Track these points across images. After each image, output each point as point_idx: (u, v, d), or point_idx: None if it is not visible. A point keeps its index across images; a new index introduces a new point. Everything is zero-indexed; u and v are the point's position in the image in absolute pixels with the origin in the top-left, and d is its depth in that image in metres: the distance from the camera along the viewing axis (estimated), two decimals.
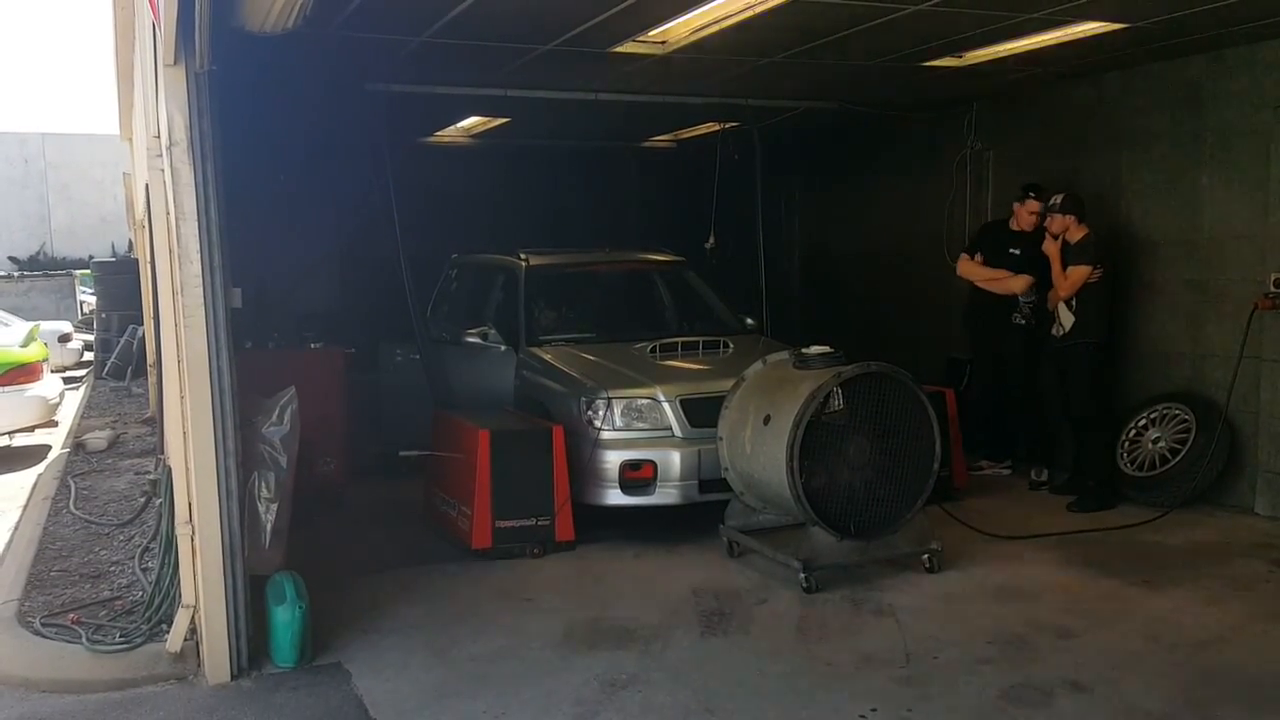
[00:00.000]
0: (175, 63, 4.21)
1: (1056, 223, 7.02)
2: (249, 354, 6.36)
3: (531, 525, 6.18)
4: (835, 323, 10.06)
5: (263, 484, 4.98)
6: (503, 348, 7.66)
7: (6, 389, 9.78)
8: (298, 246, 10.17)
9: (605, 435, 6.41)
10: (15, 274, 24.33)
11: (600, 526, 6.45)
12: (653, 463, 6.36)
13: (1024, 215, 7.55)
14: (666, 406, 6.50)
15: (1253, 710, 4.16)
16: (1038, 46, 6.54)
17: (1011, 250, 7.54)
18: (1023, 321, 7.46)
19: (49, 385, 10.44)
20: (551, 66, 6.97)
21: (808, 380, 5.56)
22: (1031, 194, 7.51)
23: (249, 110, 6.96)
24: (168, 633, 4.75)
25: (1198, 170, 7.03)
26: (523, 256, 8.10)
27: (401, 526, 6.92)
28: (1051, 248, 7.05)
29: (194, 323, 4.35)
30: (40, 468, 9.49)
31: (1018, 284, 7.45)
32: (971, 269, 7.81)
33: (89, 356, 16.63)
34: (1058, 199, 7.04)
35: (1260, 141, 6.63)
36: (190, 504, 4.52)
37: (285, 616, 4.61)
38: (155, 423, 9.50)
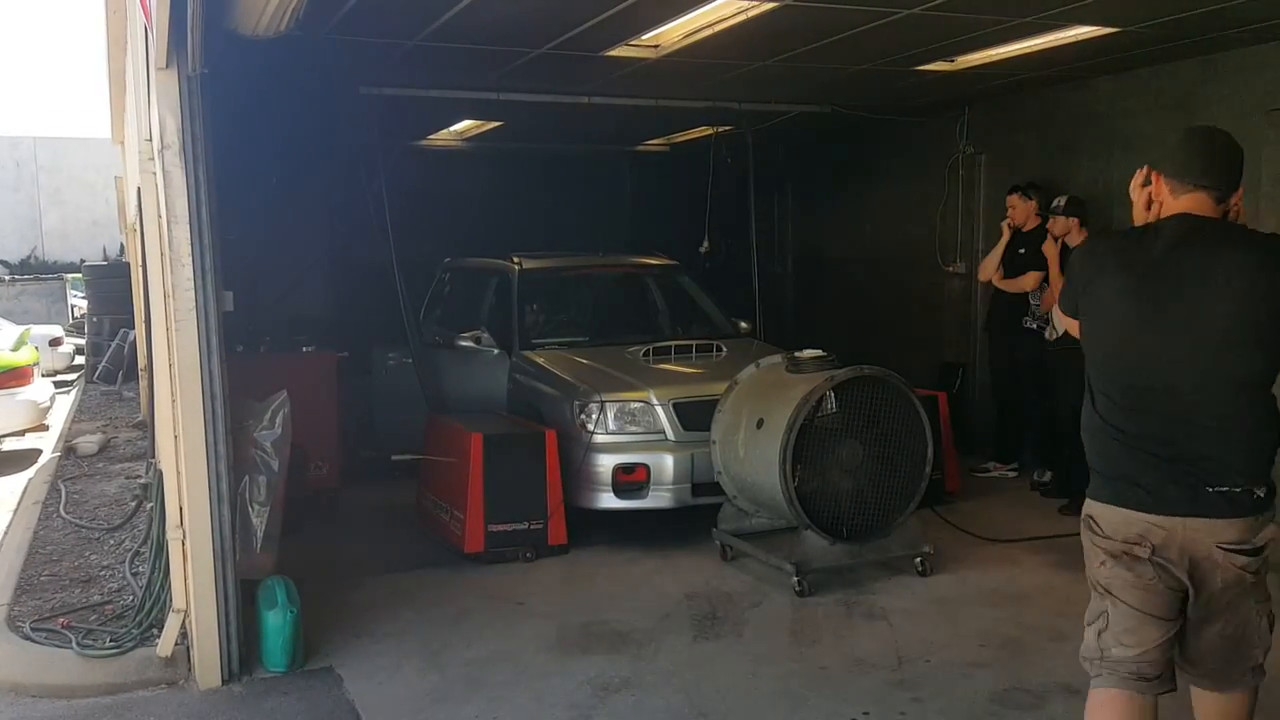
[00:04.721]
0: (168, 66, 4.20)
1: (1059, 224, 7.02)
2: (241, 358, 6.34)
3: (524, 529, 6.17)
4: (828, 326, 10.08)
5: (254, 488, 4.98)
6: (496, 351, 7.66)
7: None
8: (290, 250, 10.15)
9: (598, 439, 6.41)
10: (6, 277, 24.23)
11: (593, 530, 6.45)
12: (646, 466, 6.36)
13: (1014, 214, 7.60)
14: (660, 410, 6.49)
15: None
16: (1029, 51, 6.56)
17: (1019, 250, 7.55)
18: (1034, 325, 7.44)
19: (40, 389, 10.39)
20: (544, 70, 6.97)
21: (800, 384, 5.57)
22: (1016, 192, 7.57)
23: (241, 113, 6.96)
24: (158, 637, 4.73)
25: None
26: (516, 260, 8.10)
27: (394, 530, 6.91)
28: (1051, 250, 7.05)
29: (185, 326, 4.33)
30: (31, 472, 9.45)
31: (1027, 281, 7.44)
32: (989, 265, 7.79)
33: (80, 360, 16.56)
34: (1061, 201, 7.05)
35: (1249, 146, 6.52)
36: (181, 508, 4.51)
37: (276, 621, 4.59)
38: (146, 427, 9.47)
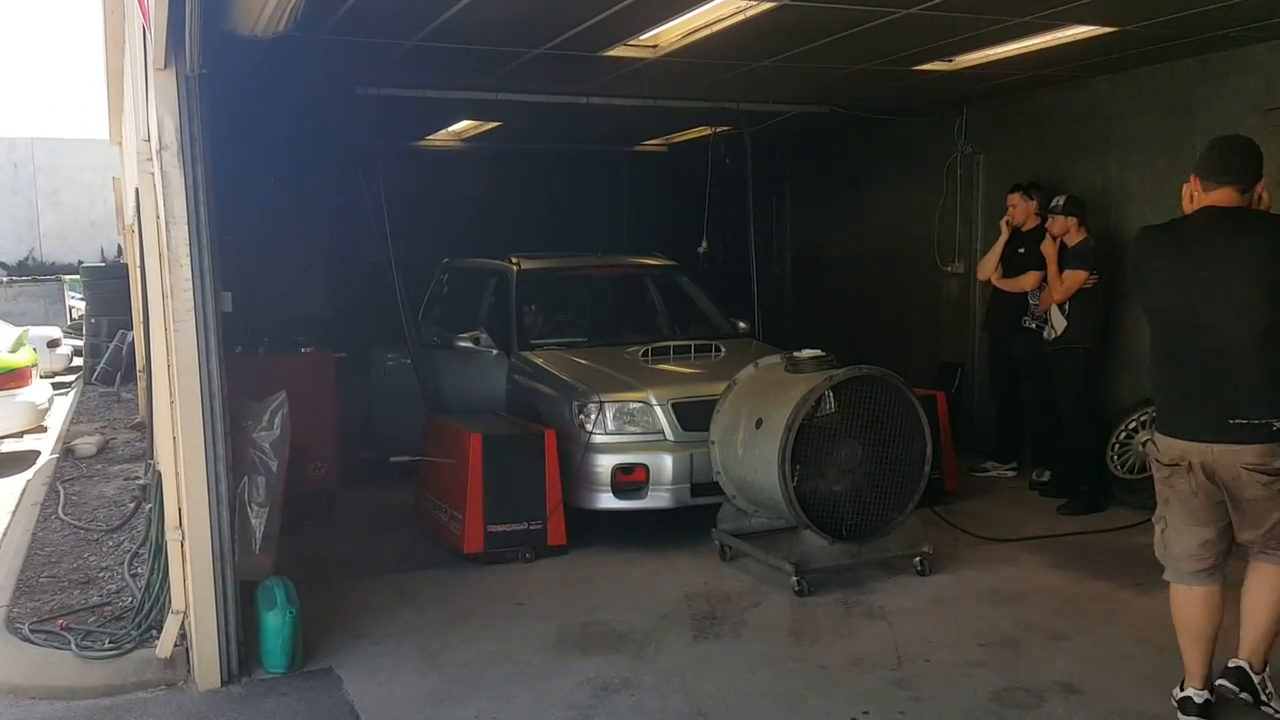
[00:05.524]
0: (166, 66, 4.20)
1: (1058, 224, 7.03)
2: (239, 358, 6.34)
3: (523, 530, 6.17)
4: (827, 326, 10.08)
5: (253, 489, 4.97)
6: (494, 352, 7.65)
7: None
8: (289, 250, 10.15)
9: (597, 439, 6.41)
10: (4, 279, 24.22)
11: (592, 530, 6.44)
12: (645, 466, 6.36)
13: (1014, 212, 7.59)
14: (658, 410, 6.49)
15: (1244, 712, 4.17)
16: (1027, 51, 6.56)
17: (1019, 250, 7.55)
18: (1033, 325, 7.44)
19: (38, 390, 10.38)
20: (543, 70, 6.97)
21: (799, 384, 5.57)
22: (1017, 190, 7.56)
23: (239, 114, 6.96)
24: (157, 638, 4.73)
25: (1187, 173, 6.99)
26: (514, 261, 8.10)
27: (393, 531, 6.90)
28: (1049, 248, 7.06)
29: (184, 327, 4.33)
30: (29, 473, 9.44)
31: (1026, 281, 7.44)
32: (988, 264, 7.79)
33: (78, 362, 16.54)
34: (1060, 200, 7.06)
35: None
36: (180, 509, 4.51)
37: (276, 622, 4.59)
38: (145, 428, 9.47)
